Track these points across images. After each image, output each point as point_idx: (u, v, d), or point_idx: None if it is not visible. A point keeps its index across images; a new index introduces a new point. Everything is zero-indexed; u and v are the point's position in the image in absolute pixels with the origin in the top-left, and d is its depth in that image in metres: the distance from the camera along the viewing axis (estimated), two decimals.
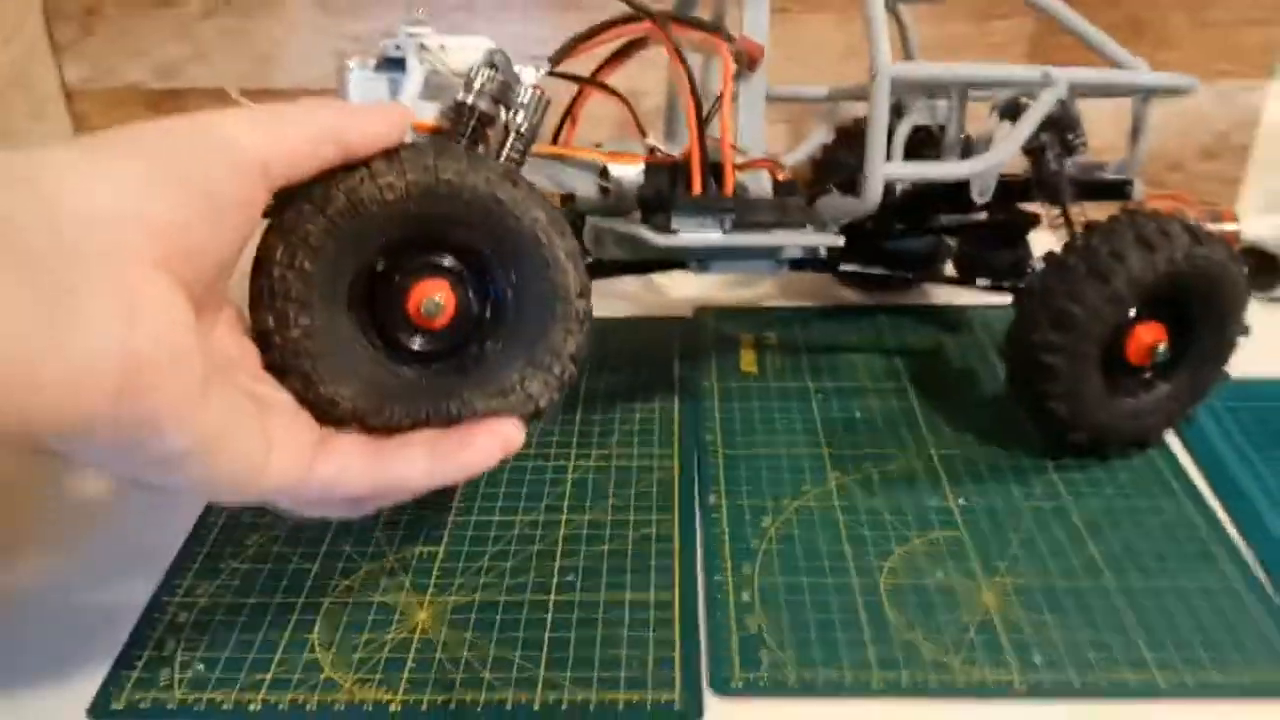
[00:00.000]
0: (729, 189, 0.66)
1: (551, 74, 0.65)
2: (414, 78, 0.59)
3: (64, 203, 0.37)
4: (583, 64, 0.68)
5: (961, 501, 0.73)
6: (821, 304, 1.01)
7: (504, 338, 0.55)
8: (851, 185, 0.71)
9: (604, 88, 0.70)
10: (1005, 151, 0.72)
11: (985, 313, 0.97)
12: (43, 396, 0.35)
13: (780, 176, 0.70)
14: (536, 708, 0.57)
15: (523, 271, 0.54)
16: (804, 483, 0.75)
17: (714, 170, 0.66)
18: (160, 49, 1.06)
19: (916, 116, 0.83)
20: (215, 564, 0.67)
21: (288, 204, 0.50)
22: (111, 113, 1.09)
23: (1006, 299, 0.77)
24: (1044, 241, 0.82)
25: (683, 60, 0.65)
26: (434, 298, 0.52)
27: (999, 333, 0.92)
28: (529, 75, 0.60)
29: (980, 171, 0.72)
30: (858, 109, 0.91)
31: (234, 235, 0.45)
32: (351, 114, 0.50)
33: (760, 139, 0.70)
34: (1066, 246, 0.71)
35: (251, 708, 0.56)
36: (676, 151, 0.69)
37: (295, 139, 0.47)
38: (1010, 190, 0.79)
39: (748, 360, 0.90)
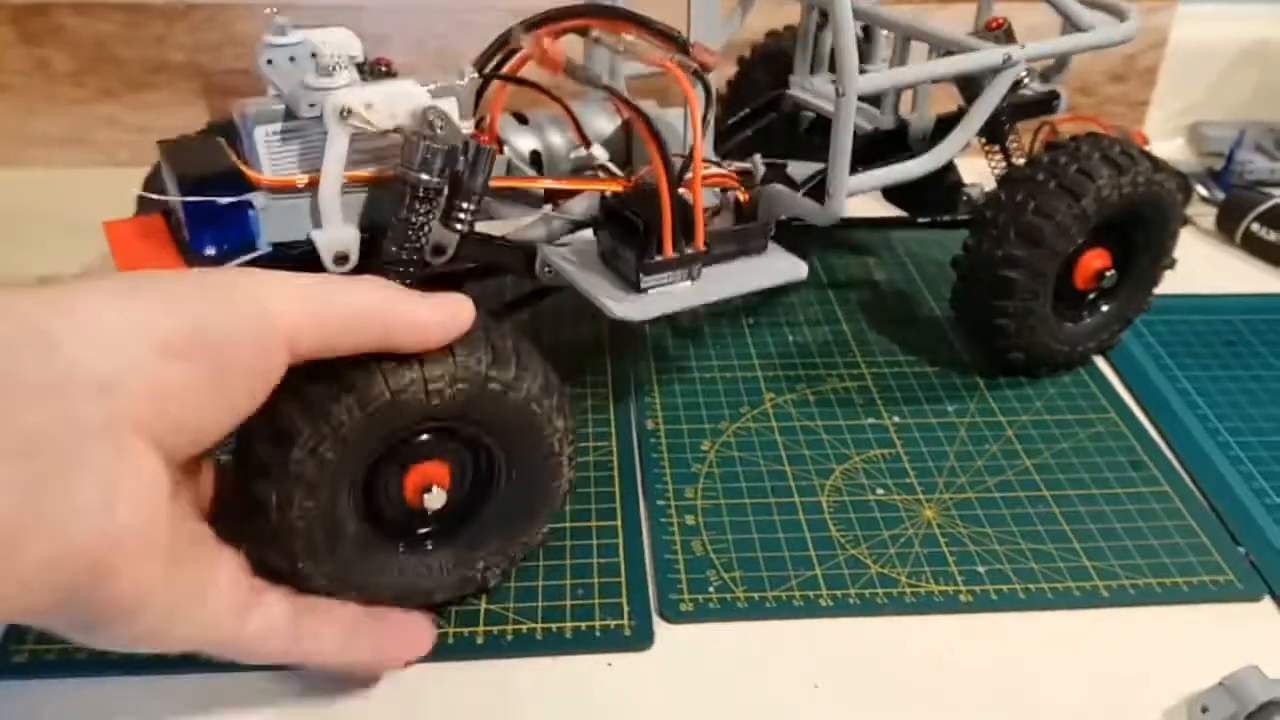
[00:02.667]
0: (700, 238, 0.61)
1: (484, 76, 0.60)
2: (337, 145, 0.53)
3: (77, 366, 0.37)
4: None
5: (897, 419, 0.72)
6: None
7: (483, 524, 0.53)
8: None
9: (545, 92, 0.62)
10: (963, 139, 0.69)
11: (910, 236, 0.96)
12: (17, 573, 0.35)
13: (743, 197, 0.65)
14: (480, 641, 0.54)
15: (525, 472, 0.52)
16: (741, 404, 0.73)
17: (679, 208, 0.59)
18: None
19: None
20: None
21: (318, 377, 0.45)
22: None
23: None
24: (973, 169, 0.81)
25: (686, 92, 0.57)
26: (434, 487, 0.50)
27: (924, 256, 0.92)
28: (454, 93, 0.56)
29: (937, 166, 0.69)
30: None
31: (241, 404, 0.42)
32: (404, 302, 0.46)
33: (712, 147, 0.66)
34: (1031, 162, 0.70)
35: None
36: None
37: (335, 317, 0.44)
38: (944, 123, 0.77)
39: None
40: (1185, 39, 1.08)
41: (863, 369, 0.77)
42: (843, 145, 0.63)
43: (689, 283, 0.61)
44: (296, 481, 0.46)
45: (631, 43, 0.58)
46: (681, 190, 0.59)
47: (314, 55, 0.57)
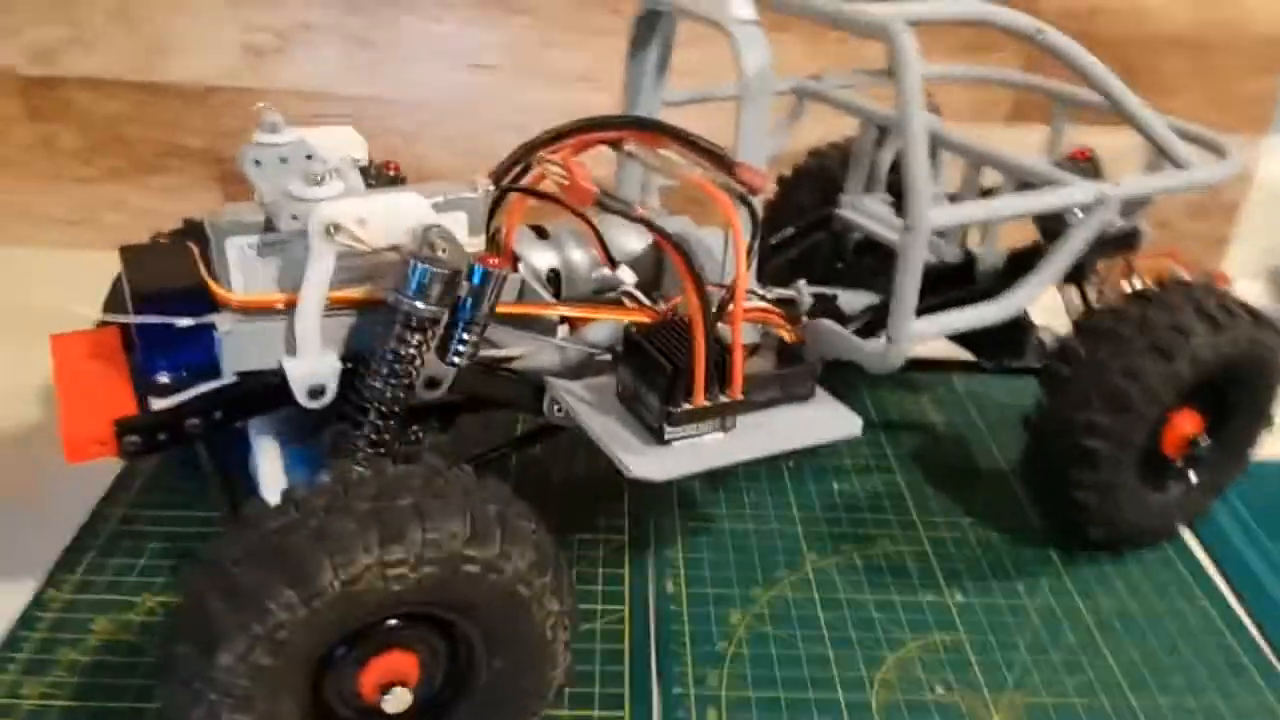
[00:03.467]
0: (736, 387, 0.51)
1: (500, 189, 0.52)
2: (321, 265, 0.45)
3: None
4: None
5: (959, 597, 0.62)
6: None
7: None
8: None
9: (567, 206, 0.52)
10: (1043, 284, 0.61)
11: (971, 379, 0.86)
12: None
13: (789, 337, 0.56)
14: None
15: (511, 663, 0.44)
16: (777, 566, 0.63)
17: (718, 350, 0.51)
18: (36, 30, 0.92)
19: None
20: None
21: (252, 560, 0.38)
22: None
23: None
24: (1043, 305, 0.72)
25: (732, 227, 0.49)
26: (397, 687, 0.42)
27: (988, 398, 0.82)
28: (465, 203, 0.48)
29: (1012, 315, 0.61)
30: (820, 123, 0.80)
31: None
32: None
33: (755, 277, 0.58)
34: (1114, 311, 0.61)
35: None
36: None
37: None
38: (1017, 259, 0.68)
39: None
40: (1273, 174, 1.00)
41: (919, 530, 0.67)
42: (908, 286, 0.55)
43: (721, 435, 0.52)
44: (225, 695, 0.37)
45: (669, 159, 0.50)
46: (719, 326, 0.51)
47: (308, 157, 0.49)
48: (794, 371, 0.55)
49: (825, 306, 0.61)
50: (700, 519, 0.67)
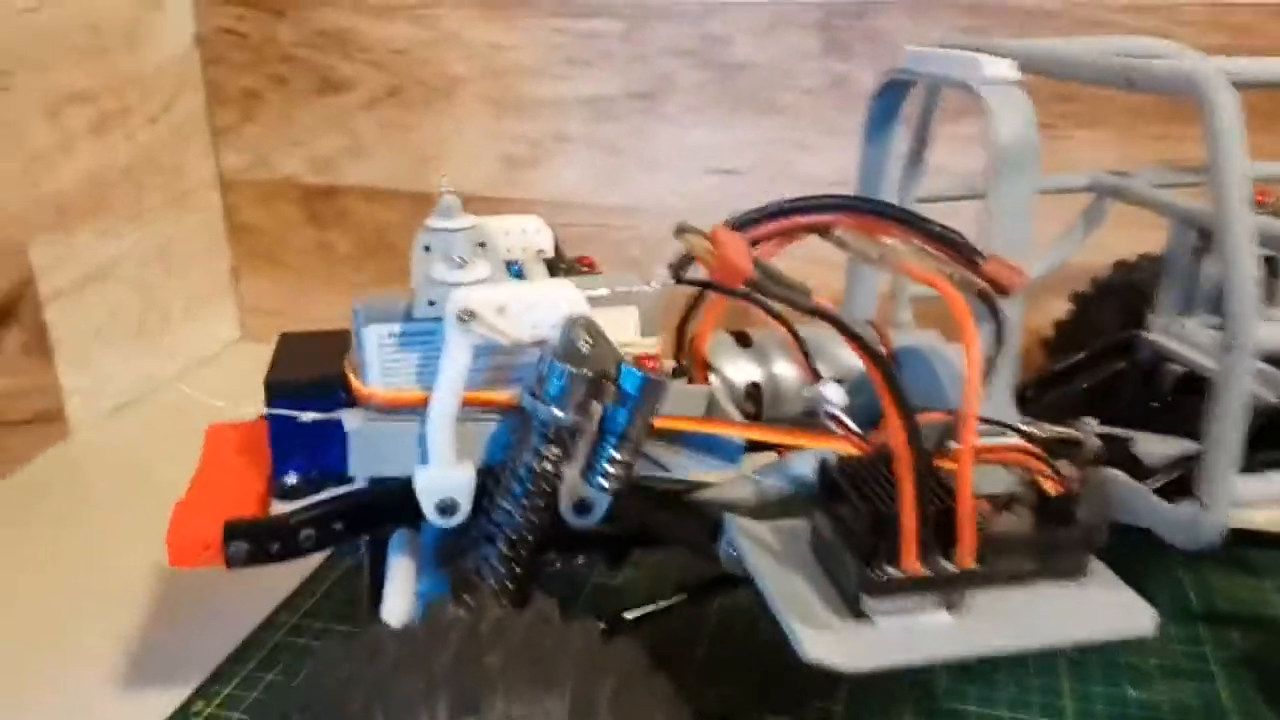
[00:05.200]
0: (966, 551, 0.38)
1: (679, 281, 0.44)
2: (455, 357, 0.39)
3: None
4: None
5: None
6: None
7: None
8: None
9: (762, 305, 0.44)
10: None
11: None
12: None
13: (1053, 487, 0.41)
14: None
15: None
16: None
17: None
18: (317, 140, 0.97)
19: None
20: None
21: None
22: (266, 206, 1.00)
23: None
24: None
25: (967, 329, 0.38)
26: None
27: None
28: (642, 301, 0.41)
29: None
30: (1124, 234, 0.65)
31: None
32: None
33: (1011, 405, 0.45)
34: None
35: None
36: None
37: None
38: None
39: None
40: None
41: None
42: (1228, 429, 0.40)
43: (946, 616, 0.39)
44: None
45: (892, 250, 0.40)
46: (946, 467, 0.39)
47: (481, 245, 0.44)
48: (1060, 536, 0.41)
49: (1116, 452, 0.47)
50: (941, 716, 0.52)
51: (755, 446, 0.45)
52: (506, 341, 0.39)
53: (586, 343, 0.37)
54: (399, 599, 0.42)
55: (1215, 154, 0.39)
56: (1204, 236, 0.57)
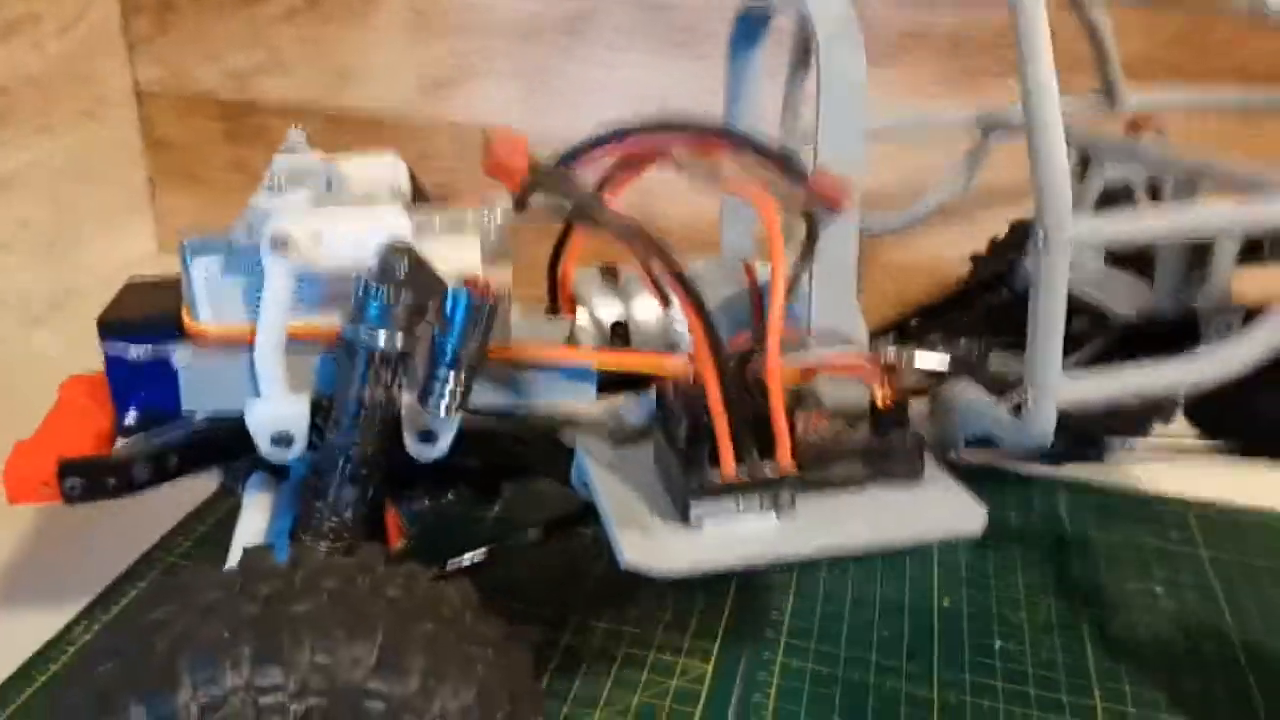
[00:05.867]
0: (784, 455, 0.39)
1: (519, 208, 0.42)
2: (274, 286, 0.38)
3: None
4: None
5: None
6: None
7: None
8: None
9: (610, 229, 0.41)
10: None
11: (1204, 509, 0.65)
12: None
13: (883, 397, 0.42)
14: None
15: None
16: None
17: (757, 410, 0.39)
18: (234, 54, 0.95)
19: (1110, 170, 0.56)
20: None
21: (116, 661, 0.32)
22: (183, 121, 0.98)
23: None
24: None
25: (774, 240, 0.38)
26: None
27: (1244, 545, 0.61)
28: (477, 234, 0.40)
29: (1232, 373, 0.44)
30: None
31: None
32: None
33: (851, 317, 0.44)
34: None
35: None
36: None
37: None
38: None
39: None
40: None
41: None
42: (1047, 324, 0.40)
43: (772, 521, 0.40)
44: None
45: (720, 168, 0.40)
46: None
47: (328, 183, 0.43)
48: (889, 442, 0.41)
49: (966, 367, 0.47)
50: (809, 659, 0.52)
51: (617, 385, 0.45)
52: (324, 269, 0.38)
53: (402, 266, 0.37)
54: (244, 537, 0.42)
55: (1020, 45, 0.39)
56: (1083, 160, 0.56)
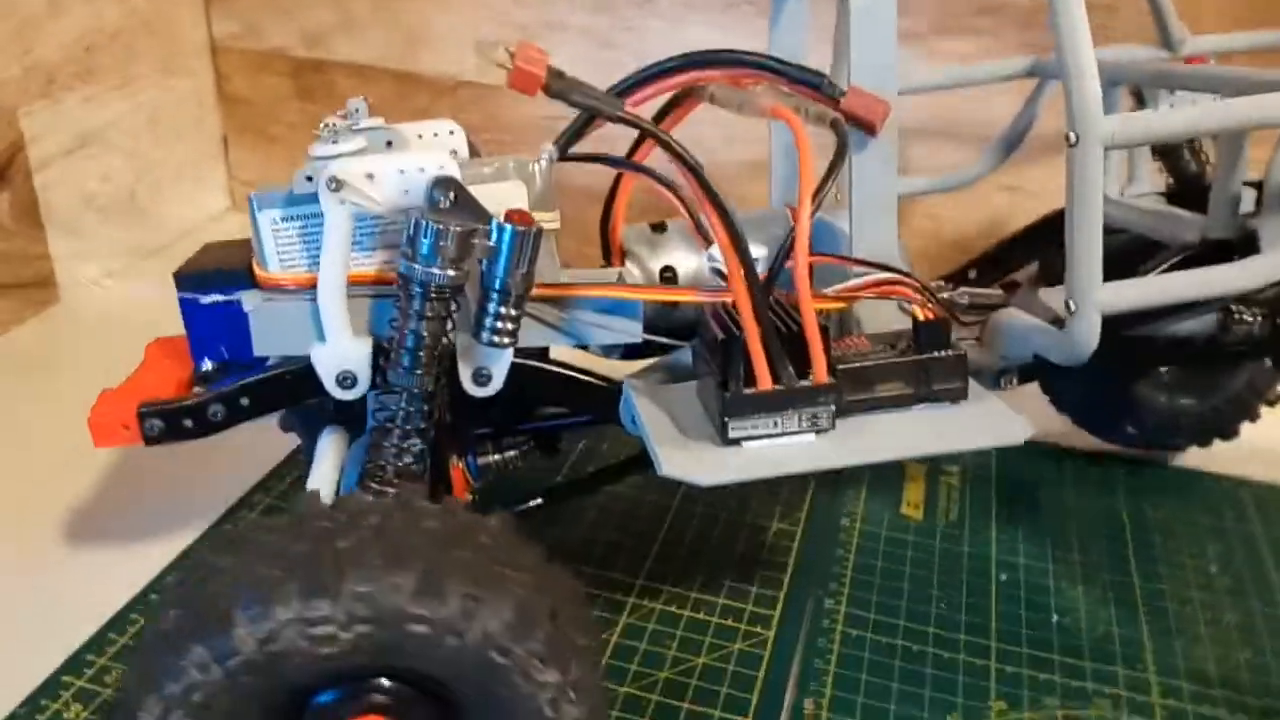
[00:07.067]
0: (819, 368, 0.40)
1: (565, 158, 0.45)
2: (335, 231, 0.40)
3: None
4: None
5: None
6: (1042, 435, 0.66)
7: None
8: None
9: (643, 170, 0.45)
10: None
11: (1260, 489, 0.64)
12: None
13: (923, 313, 0.43)
14: None
15: None
16: (952, 709, 0.49)
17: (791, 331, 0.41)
18: (308, 12, 0.97)
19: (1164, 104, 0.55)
20: None
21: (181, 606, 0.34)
22: (255, 76, 1.00)
23: None
24: None
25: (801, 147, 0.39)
26: None
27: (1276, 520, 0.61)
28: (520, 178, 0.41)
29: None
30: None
31: None
32: None
33: (891, 244, 0.45)
34: None
35: None
36: None
37: None
38: None
39: (912, 499, 0.64)
40: None
41: (1153, 687, 0.50)
42: (1085, 233, 0.40)
43: (811, 437, 0.41)
44: None
45: (755, 94, 0.41)
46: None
47: (389, 144, 0.45)
48: (933, 359, 0.42)
49: (1014, 298, 0.47)
50: (868, 629, 0.54)
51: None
52: (380, 209, 0.40)
53: (449, 199, 0.38)
54: (321, 476, 0.44)
55: None
56: (1139, 99, 0.55)
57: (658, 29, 0.87)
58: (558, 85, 0.40)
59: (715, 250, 0.44)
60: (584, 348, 0.46)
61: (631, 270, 0.49)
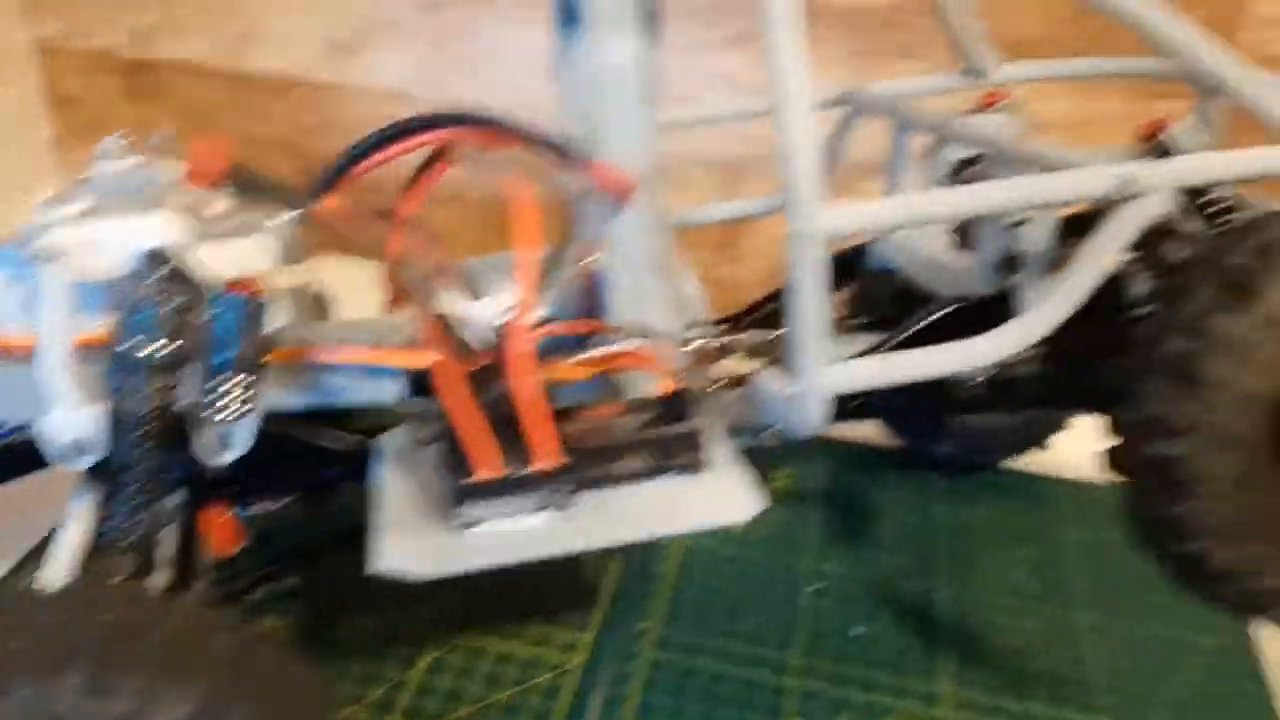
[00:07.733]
0: (542, 452, 0.40)
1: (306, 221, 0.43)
2: (53, 297, 0.39)
3: None
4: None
5: None
6: (865, 440, 0.69)
7: None
8: None
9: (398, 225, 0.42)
10: (1058, 306, 0.43)
11: (1077, 489, 0.66)
12: None
13: (661, 385, 0.43)
14: None
15: None
16: None
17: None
18: (134, 11, 0.92)
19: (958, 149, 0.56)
20: None
21: None
22: (86, 77, 0.96)
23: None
24: None
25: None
26: None
27: (1090, 521, 0.63)
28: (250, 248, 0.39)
29: (1011, 350, 0.44)
30: None
31: None
32: None
33: (657, 311, 0.44)
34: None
35: None
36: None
37: None
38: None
39: None
40: None
41: (948, 700, 0.51)
42: (807, 318, 0.40)
43: (541, 519, 0.40)
44: None
45: (498, 162, 0.40)
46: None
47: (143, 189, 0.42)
48: (665, 435, 0.42)
49: (752, 348, 0.49)
50: (678, 652, 0.54)
51: None
52: (100, 279, 0.38)
53: (156, 273, 0.37)
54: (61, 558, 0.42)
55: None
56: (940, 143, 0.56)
57: (499, 40, 0.86)
58: (238, 181, 0.39)
59: (470, 309, 0.43)
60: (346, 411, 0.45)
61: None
